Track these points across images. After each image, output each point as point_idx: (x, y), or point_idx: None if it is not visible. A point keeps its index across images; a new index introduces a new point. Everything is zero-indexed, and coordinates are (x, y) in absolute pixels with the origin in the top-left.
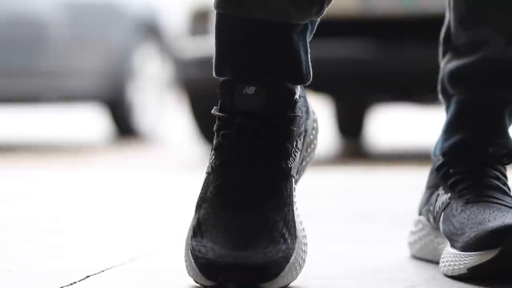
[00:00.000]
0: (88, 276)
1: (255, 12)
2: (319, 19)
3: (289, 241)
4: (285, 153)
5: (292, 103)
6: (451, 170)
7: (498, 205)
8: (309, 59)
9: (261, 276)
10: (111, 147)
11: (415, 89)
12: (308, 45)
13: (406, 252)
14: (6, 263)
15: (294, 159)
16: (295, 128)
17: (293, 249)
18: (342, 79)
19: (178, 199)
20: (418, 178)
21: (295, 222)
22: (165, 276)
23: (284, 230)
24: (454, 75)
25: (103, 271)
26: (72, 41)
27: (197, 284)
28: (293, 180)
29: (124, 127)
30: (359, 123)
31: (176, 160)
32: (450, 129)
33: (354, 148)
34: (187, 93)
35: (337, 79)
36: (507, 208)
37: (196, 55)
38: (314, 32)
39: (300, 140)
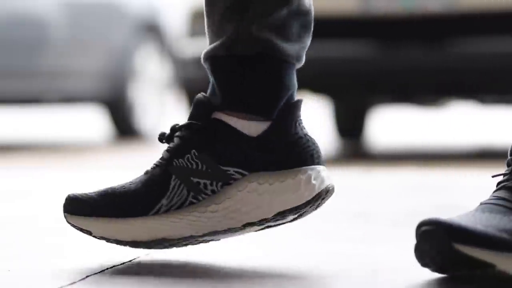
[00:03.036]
0: (88, 276)
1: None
2: None
3: None
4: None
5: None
6: None
7: None
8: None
9: None
10: (112, 147)
11: (414, 89)
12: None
13: (406, 252)
14: (6, 263)
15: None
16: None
17: None
18: (342, 79)
19: None
20: (418, 178)
21: None
22: (165, 276)
23: None
24: None
25: (103, 271)
26: (73, 42)
27: (196, 284)
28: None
29: (125, 127)
30: (359, 124)
31: None
32: None
33: (354, 148)
34: (187, 93)
35: (337, 79)
36: None
37: (196, 55)
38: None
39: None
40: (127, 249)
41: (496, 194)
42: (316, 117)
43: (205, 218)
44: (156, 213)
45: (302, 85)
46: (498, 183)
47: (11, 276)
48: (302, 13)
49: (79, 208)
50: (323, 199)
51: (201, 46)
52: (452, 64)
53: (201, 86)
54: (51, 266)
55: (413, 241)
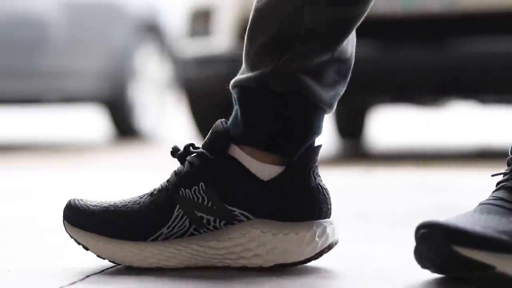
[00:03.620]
0: (88, 276)
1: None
2: None
3: None
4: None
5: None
6: None
7: None
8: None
9: None
10: (112, 147)
11: (414, 89)
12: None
13: (406, 252)
14: (6, 263)
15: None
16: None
17: None
18: None
19: None
20: (418, 178)
21: None
22: (165, 276)
23: None
24: None
25: (103, 271)
26: (73, 42)
27: (196, 284)
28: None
29: (125, 127)
30: (359, 124)
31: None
32: None
33: (354, 148)
34: (186, 93)
35: None
36: None
37: (196, 55)
38: None
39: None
40: None
41: (495, 194)
42: None
43: (203, 252)
44: (155, 240)
45: None
46: (498, 183)
47: (11, 276)
48: (341, 60)
49: (79, 220)
50: (323, 254)
51: (201, 46)
52: (452, 64)
53: (201, 86)
54: (51, 266)
55: (413, 241)
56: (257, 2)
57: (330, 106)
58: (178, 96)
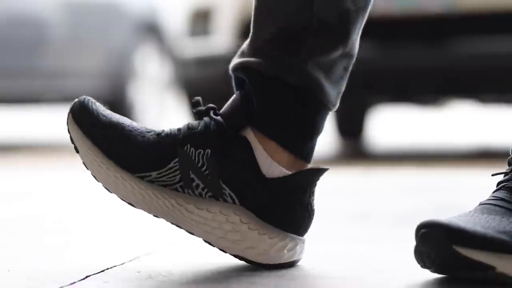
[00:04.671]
0: (88, 276)
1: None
2: None
3: None
4: None
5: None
6: None
7: None
8: None
9: None
10: None
11: (414, 89)
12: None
13: (406, 252)
14: (6, 263)
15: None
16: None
17: None
18: None
19: None
20: (418, 178)
21: None
22: (165, 276)
23: None
24: None
25: (103, 271)
26: (72, 41)
27: (196, 284)
28: None
29: None
30: (359, 124)
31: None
32: None
33: (354, 148)
34: (186, 93)
35: None
36: None
37: (196, 55)
38: None
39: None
40: (127, 248)
41: (496, 194)
42: None
43: (178, 211)
44: (142, 178)
45: None
46: (498, 183)
47: (11, 276)
48: (350, 55)
49: (84, 121)
50: (284, 268)
51: (201, 46)
52: (452, 64)
53: (201, 86)
54: (51, 266)
55: (413, 241)
56: None
57: (334, 105)
58: (178, 96)
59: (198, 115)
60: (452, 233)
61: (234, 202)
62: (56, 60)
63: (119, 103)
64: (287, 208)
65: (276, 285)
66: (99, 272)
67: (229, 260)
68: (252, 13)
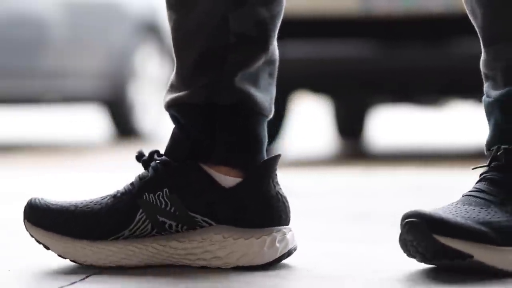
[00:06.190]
0: (88, 276)
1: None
2: None
3: None
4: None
5: None
6: None
7: None
8: None
9: None
10: (112, 147)
11: (414, 89)
12: None
13: None
14: (6, 263)
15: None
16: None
17: None
18: (342, 79)
19: None
20: (418, 178)
21: None
22: (164, 276)
23: None
24: None
25: (103, 271)
26: (72, 41)
27: (196, 284)
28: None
29: (125, 127)
30: (359, 124)
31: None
32: None
33: (354, 148)
34: None
35: (337, 79)
36: None
37: None
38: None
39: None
40: None
41: (477, 186)
42: (316, 117)
43: (163, 252)
44: (117, 239)
45: (302, 85)
46: (480, 174)
47: (11, 276)
48: (272, 62)
49: (40, 219)
50: (282, 259)
51: None
52: (452, 64)
53: None
54: (51, 266)
55: None
56: (173, 23)
57: (270, 112)
58: None
59: (144, 165)
60: (433, 223)
61: (210, 225)
62: (56, 60)
63: (119, 103)
64: (259, 206)
65: (276, 285)
66: (99, 272)
67: None
68: (172, 43)
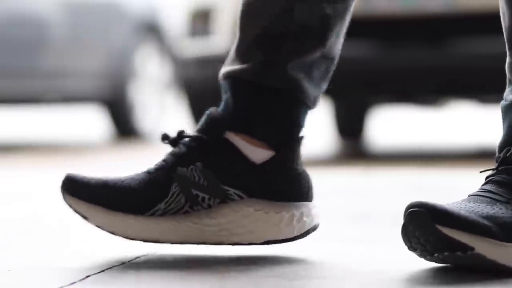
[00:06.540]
0: (88, 276)
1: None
2: None
3: None
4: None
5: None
6: None
7: None
8: None
9: None
10: (112, 147)
11: (414, 89)
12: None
13: (406, 252)
14: (6, 263)
15: None
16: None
17: None
18: (342, 79)
19: None
20: (418, 178)
21: None
22: (165, 276)
23: None
24: None
25: (103, 271)
26: (73, 42)
27: (195, 284)
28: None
29: (125, 127)
30: (359, 124)
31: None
32: None
33: (354, 148)
34: (187, 93)
35: (337, 79)
36: None
37: (196, 55)
38: None
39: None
40: (127, 248)
41: (483, 187)
42: (316, 117)
43: (197, 229)
44: (152, 215)
45: None
46: (486, 177)
47: (11, 276)
48: (329, 57)
49: (80, 191)
50: (308, 234)
51: (201, 46)
52: (452, 64)
53: (201, 86)
54: (51, 266)
55: None
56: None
57: (315, 104)
58: (178, 96)
59: (173, 144)
60: (436, 213)
61: (241, 198)
62: (56, 60)
63: (119, 103)
64: (287, 181)
65: (276, 285)
66: (99, 272)
67: (229, 261)
68: (238, 16)
